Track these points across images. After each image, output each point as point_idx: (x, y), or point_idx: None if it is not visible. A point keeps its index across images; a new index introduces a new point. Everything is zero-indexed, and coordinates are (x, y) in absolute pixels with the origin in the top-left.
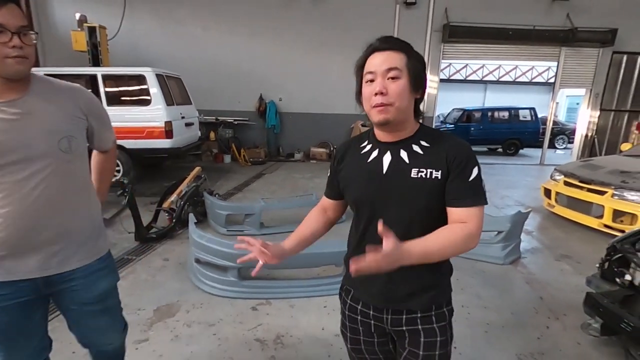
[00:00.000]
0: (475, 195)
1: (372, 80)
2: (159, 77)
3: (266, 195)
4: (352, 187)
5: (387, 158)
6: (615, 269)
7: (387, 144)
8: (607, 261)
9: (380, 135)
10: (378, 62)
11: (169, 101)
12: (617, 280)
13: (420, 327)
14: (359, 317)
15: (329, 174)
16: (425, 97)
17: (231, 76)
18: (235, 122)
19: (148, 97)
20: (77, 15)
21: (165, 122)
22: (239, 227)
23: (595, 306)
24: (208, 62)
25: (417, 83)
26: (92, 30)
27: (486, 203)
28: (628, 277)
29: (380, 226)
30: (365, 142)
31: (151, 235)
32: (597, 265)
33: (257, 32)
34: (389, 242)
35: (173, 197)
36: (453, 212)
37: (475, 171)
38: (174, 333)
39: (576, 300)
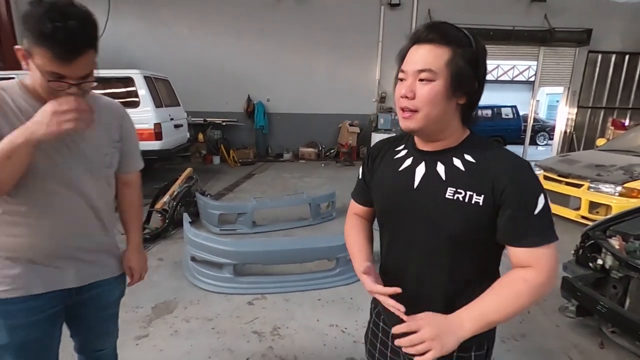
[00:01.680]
0: (543, 231)
1: (403, 79)
2: (147, 79)
3: (257, 195)
4: (378, 196)
5: (420, 170)
6: (589, 255)
7: (424, 153)
8: (581, 248)
9: (418, 141)
10: (413, 59)
11: (158, 103)
12: (590, 264)
13: None
14: (379, 334)
15: (359, 177)
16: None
17: (219, 77)
18: (224, 123)
19: (136, 99)
20: None
21: (155, 124)
22: (232, 226)
23: (572, 289)
24: (195, 64)
25: (459, 87)
26: None
27: (557, 239)
28: (600, 262)
29: (403, 319)
30: (402, 147)
31: (145, 236)
32: (573, 252)
33: (244, 33)
34: (421, 314)
35: (165, 198)
36: (515, 253)
37: (541, 201)
38: (173, 328)
39: (556, 287)
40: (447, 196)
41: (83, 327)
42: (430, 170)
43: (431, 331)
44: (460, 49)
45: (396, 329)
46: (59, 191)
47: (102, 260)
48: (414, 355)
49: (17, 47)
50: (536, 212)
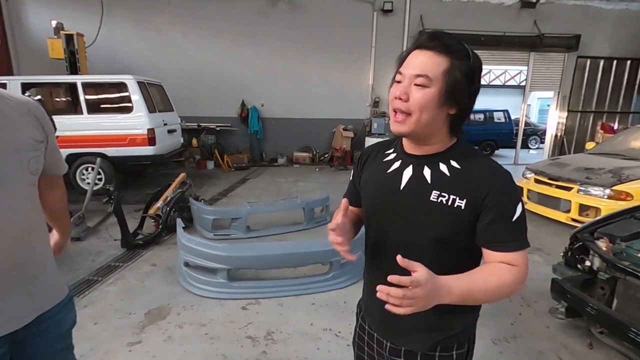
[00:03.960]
0: (520, 237)
1: (399, 82)
2: (140, 84)
3: (251, 200)
4: (366, 196)
5: (407, 172)
6: (577, 257)
7: (412, 157)
8: (569, 250)
9: (407, 145)
10: (412, 63)
11: (151, 108)
12: (579, 266)
13: None
14: (365, 337)
15: (350, 178)
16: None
17: (213, 82)
18: (218, 128)
19: (130, 105)
20: (53, 23)
21: (148, 130)
22: (226, 231)
23: (561, 291)
24: (189, 69)
25: (451, 97)
26: (69, 38)
27: (529, 245)
28: (588, 263)
29: (399, 260)
30: (392, 150)
31: (138, 242)
32: (562, 254)
33: (238, 39)
34: (420, 270)
35: (159, 203)
36: (495, 256)
37: (519, 209)
38: (166, 334)
39: (546, 289)
40: (431, 199)
41: None
42: (417, 173)
43: (425, 292)
44: (458, 61)
45: (396, 279)
46: None
47: (42, 286)
48: (393, 304)
49: None
50: (514, 219)
